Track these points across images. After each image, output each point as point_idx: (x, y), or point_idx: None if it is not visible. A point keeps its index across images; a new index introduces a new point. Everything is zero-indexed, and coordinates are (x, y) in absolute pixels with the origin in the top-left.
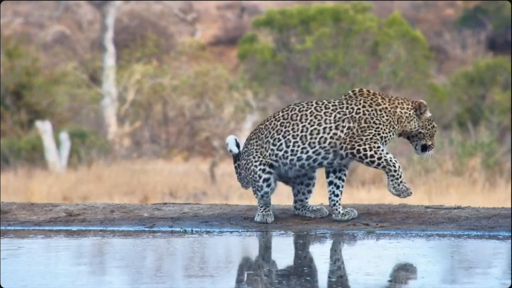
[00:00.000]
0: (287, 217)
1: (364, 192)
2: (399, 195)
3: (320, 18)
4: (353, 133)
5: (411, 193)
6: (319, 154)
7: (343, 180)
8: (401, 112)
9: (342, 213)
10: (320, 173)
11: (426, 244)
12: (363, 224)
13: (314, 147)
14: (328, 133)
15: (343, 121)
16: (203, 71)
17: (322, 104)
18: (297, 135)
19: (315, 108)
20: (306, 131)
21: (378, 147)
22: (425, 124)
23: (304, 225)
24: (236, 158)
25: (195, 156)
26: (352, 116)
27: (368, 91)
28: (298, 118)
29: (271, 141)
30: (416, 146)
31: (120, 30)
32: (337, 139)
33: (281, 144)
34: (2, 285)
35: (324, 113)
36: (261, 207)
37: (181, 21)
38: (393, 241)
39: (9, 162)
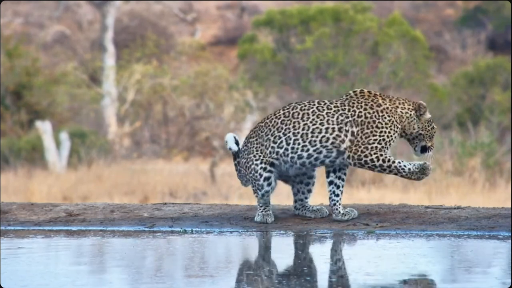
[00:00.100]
0: (287, 217)
1: (364, 192)
2: (423, 178)
3: (320, 18)
4: (357, 141)
5: (429, 168)
6: (320, 152)
7: (343, 180)
8: (402, 112)
9: (342, 213)
10: (320, 173)
11: (426, 244)
12: (363, 224)
13: (315, 145)
14: (331, 134)
15: (345, 124)
16: (203, 71)
17: (324, 104)
18: (298, 132)
19: (317, 107)
20: (308, 129)
21: (386, 155)
22: (425, 125)
23: (304, 225)
24: (236, 155)
25: (195, 156)
26: (354, 119)
27: (369, 91)
28: (300, 116)
29: (272, 138)
30: (415, 147)
31: (120, 30)
32: (341, 141)
33: (281, 142)
34: (2, 285)
35: (327, 113)
36: (261, 206)
37: (181, 21)
38: (393, 241)
39: (9, 162)
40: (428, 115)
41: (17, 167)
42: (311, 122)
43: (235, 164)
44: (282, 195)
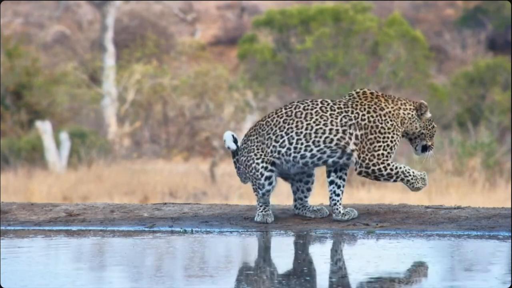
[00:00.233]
0: (287, 217)
1: (364, 192)
2: (421, 190)
3: (320, 18)
4: (363, 147)
5: (426, 178)
6: (324, 152)
7: (344, 180)
8: (404, 114)
9: (343, 213)
10: (320, 173)
11: (426, 244)
12: (363, 224)
13: (319, 145)
14: (335, 135)
15: (349, 127)
16: (203, 71)
17: (328, 105)
18: (301, 132)
19: (320, 108)
20: (311, 130)
21: (391, 163)
22: (426, 125)
23: (304, 225)
24: (234, 153)
25: (195, 156)
26: (358, 122)
27: (371, 92)
28: (303, 116)
29: (273, 137)
30: (416, 146)
31: (120, 30)
32: (346, 143)
33: (283, 141)
34: (2, 285)
35: (330, 114)
36: (261, 206)
37: (181, 21)
38: (393, 241)
39: (9, 162)
40: (428, 115)
41: (17, 167)
42: (314, 122)
43: (234, 162)
44: (282, 195)
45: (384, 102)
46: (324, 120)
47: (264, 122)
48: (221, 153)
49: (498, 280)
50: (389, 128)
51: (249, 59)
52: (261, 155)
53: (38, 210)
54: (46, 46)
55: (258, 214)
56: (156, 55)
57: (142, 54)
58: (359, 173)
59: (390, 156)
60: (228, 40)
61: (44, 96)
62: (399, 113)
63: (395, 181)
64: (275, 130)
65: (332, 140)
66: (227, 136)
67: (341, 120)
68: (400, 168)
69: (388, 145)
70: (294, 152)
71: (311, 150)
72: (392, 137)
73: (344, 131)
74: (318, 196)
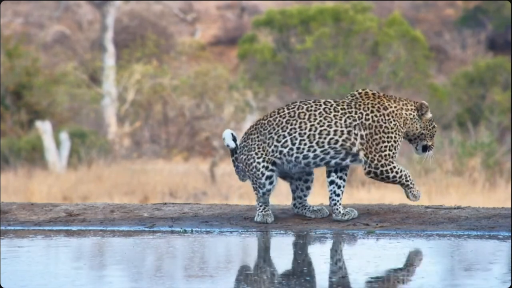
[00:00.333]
0: (287, 217)
1: (364, 192)
2: (416, 200)
3: (320, 18)
4: (369, 147)
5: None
6: (327, 153)
7: (344, 180)
8: (406, 114)
9: (343, 213)
10: (320, 173)
11: (426, 244)
12: (363, 224)
13: (323, 146)
14: (340, 136)
15: (354, 127)
16: (203, 71)
17: (331, 106)
18: (305, 133)
19: (324, 109)
20: (315, 131)
21: (397, 165)
22: (426, 125)
23: (304, 225)
24: (233, 151)
25: (195, 156)
26: (362, 122)
27: (373, 93)
28: (306, 117)
29: (275, 137)
30: (416, 146)
31: (120, 30)
32: (351, 144)
33: (286, 141)
34: (2, 285)
35: (334, 115)
36: (261, 206)
37: (181, 21)
38: (393, 241)
39: (9, 162)
40: (429, 115)
41: (17, 167)
42: (318, 123)
43: (233, 160)
44: (282, 195)
45: (387, 102)
46: (328, 122)
47: (265, 121)
48: (221, 153)
49: (498, 280)
50: (392, 128)
51: (249, 59)
52: (262, 154)
53: (38, 210)
54: (46, 46)
55: (258, 214)
56: (156, 55)
57: (142, 54)
58: (368, 173)
59: (395, 157)
60: (228, 40)
61: (44, 96)
62: (402, 113)
63: (398, 183)
64: (277, 130)
65: (337, 141)
66: (226, 134)
67: (345, 121)
68: (404, 171)
69: (392, 145)
70: (297, 153)
71: (315, 150)
72: (395, 137)
73: (349, 132)
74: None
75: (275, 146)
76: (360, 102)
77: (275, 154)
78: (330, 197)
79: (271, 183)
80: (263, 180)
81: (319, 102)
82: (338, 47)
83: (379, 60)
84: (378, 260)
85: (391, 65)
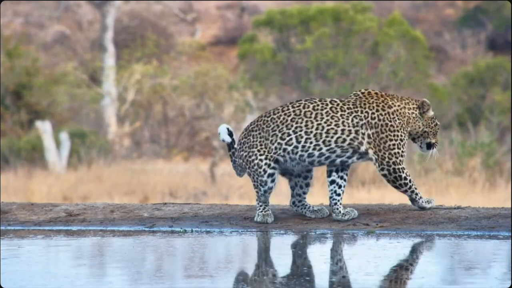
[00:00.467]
0: (287, 217)
1: (364, 192)
2: (432, 205)
3: (320, 18)
4: (378, 145)
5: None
6: (333, 152)
7: (345, 180)
8: (409, 113)
9: (343, 213)
10: (320, 173)
11: (426, 244)
12: (363, 224)
13: (329, 145)
14: (348, 135)
15: (361, 126)
16: (203, 71)
17: (337, 105)
18: (311, 132)
19: (330, 108)
20: (322, 130)
21: (406, 170)
22: (429, 123)
23: (304, 225)
24: (230, 146)
25: (195, 156)
26: (368, 121)
27: (376, 92)
28: (313, 116)
29: (279, 134)
30: (420, 144)
31: (120, 30)
32: (359, 143)
33: (291, 139)
34: (2, 285)
35: (341, 115)
36: (260, 206)
37: (181, 21)
38: (393, 241)
39: (9, 162)
40: (431, 113)
41: (17, 167)
42: (325, 122)
43: (230, 155)
44: (282, 195)
45: (391, 101)
46: (336, 121)
47: (269, 118)
48: (221, 153)
49: (498, 280)
50: (397, 126)
51: (249, 59)
52: (264, 151)
53: (38, 210)
54: (46, 46)
55: (258, 214)
56: (156, 55)
57: (142, 54)
58: (381, 170)
59: (404, 156)
60: (228, 40)
61: (44, 96)
62: (405, 112)
63: (409, 188)
64: (281, 128)
65: (344, 140)
66: (222, 129)
67: (352, 120)
68: (412, 181)
69: (400, 144)
70: (302, 151)
71: (320, 149)
72: (401, 135)
73: (356, 132)
74: (318, 196)
75: (279, 143)
76: (365, 101)
77: (278, 152)
78: (330, 197)
79: (272, 181)
80: (264, 178)
81: (325, 101)
82: (338, 47)
83: (379, 60)
84: (378, 260)
85: (391, 65)
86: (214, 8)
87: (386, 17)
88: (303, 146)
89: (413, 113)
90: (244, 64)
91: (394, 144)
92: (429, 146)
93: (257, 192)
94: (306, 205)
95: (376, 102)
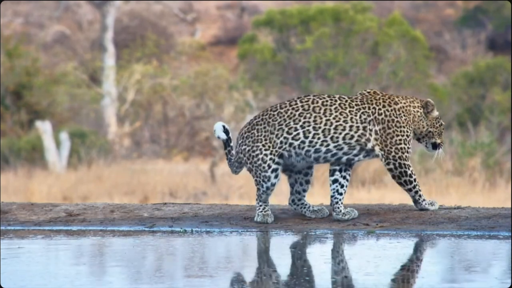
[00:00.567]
0: (287, 217)
1: (364, 192)
2: (435, 207)
3: (320, 18)
4: (384, 141)
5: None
6: (341, 149)
7: (347, 180)
8: (414, 111)
9: (343, 213)
10: (320, 173)
11: (426, 244)
12: (363, 224)
13: (337, 141)
14: (356, 132)
15: (369, 123)
16: (203, 71)
17: (346, 102)
18: (319, 127)
19: (339, 104)
20: (330, 125)
21: (411, 166)
22: (433, 123)
23: (304, 225)
24: (226, 144)
25: (195, 156)
26: (375, 117)
27: (381, 92)
28: (322, 111)
29: (286, 129)
30: (426, 144)
31: (120, 30)
32: (366, 140)
33: (298, 134)
34: (2, 285)
35: (349, 111)
36: (260, 206)
37: (181, 21)
38: (393, 241)
39: (9, 162)
40: (436, 113)
41: (17, 167)
42: (334, 118)
43: (226, 153)
44: (282, 195)
45: (397, 98)
46: (344, 117)
47: (275, 112)
48: (221, 153)
49: (498, 280)
50: (403, 122)
51: (249, 59)
52: (269, 146)
53: (38, 210)
54: (46, 46)
55: (258, 214)
56: (156, 55)
57: (142, 54)
58: (387, 164)
59: (409, 152)
60: (228, 40)
61: (44, 96)
62: (410, 110)
63: (413, 188)
64: (288, 122)
65: (352, 136)
66: (218, 126)
67: (360, 116)
68: (417, 180)
69: (406, 140)
70: (308, 146)
71: (328, 145)
72: (407, 131)
73: (364, 128)
74: (318, 196)
75: (285, 138)
76: (372, 98)
77: (284, 146)
78: (332, 196)
79: (276, 176)
80: (268, 173)
81: (334, 97)
82: (338, 47)
83: (379, 60)
84: (378, 260)
85: (391, 65)
86: (214, 8)
87: (386, 17)
88: (310, 142)
89: (418, 111)
90: (244, 64)
91: (400, 140)
92: (435, 146)
93: (258, 189)
94: (306, 205)
95: (383, 99)
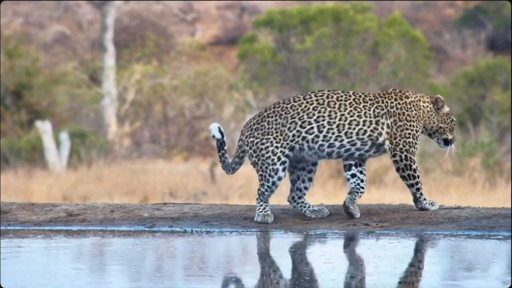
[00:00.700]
0: (287, 217)
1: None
2: (435, 208)
3: (320, 18)
4: (394, 133)
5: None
6: (354, 144)
7: (364, 175)
8: (424, 106)
9: (353, 208)
10: (320, 173)
11: (426, 244)
12: (363, 224)
13: (351, 137)
14: (369, 127)
15: (382, 116)
16: (203, 71)
17: (360, 97)
18: (334, 122)
19: (354, 99)
20: (345, 120)
21: (416, 162)
22: (444, 119)
23: (304, 225)
24: (221, 146)
25: (195, 156)
26: (388, 110)
27: (394, 89)
28: (336, 106)
29: (299, 122)
30: (438, 140)
31: (120, 30)
32: (378, 134)
33: (312, 128)
34: (2, 285)
35: (363, 106)
36: (261, 205)
37: (181, 21)
38: (393, 241)
39: (9, 162)
40: (446, 109)
41: (17, 167)
42: (348, 113)
43: (220, 156)
44: (282, 195)
45: (407, 92)
46: (358, 112)
47: (288, 105)
48: None
49: (498, 280)
50: (413, 117)
51: (249, 59)
52: (280, 139)
53: (38, 210)
54: (46, 46)
55: (258, 214)
56: (156, 55)
57: (142, 54)
58: (393, 156)
59: (416, 148)
60: (228, 40)
61: (44, 96)
62: (420, 105)
63: (412, 184)
64: (302, 116)
65: (365, 131)
66: (213, 126)
67: (373, 111)
68: (420, 177)
69: (414, 134)
70: (322, 141)
71: (342, 140)
72: (416, 126)
73: (377, 122)
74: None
75: (298, 131)
76: (384, 93)
77: (296, 140)
78: (353, 188)
79: (284, 169)
80: (277, 166)
81: (348, 92)
82: (338, 47)
83: (379, 60)
84: (378, 260)
85: (391, 65)
86: (214, 8)
87: (386, 17)
88: (325, 136)
89: (427, 106)
90: (244, 64)
91: (409, 134)
92: (447, 142)
93: (262, 185)
94: (306, 204)
95: (394, 92)
